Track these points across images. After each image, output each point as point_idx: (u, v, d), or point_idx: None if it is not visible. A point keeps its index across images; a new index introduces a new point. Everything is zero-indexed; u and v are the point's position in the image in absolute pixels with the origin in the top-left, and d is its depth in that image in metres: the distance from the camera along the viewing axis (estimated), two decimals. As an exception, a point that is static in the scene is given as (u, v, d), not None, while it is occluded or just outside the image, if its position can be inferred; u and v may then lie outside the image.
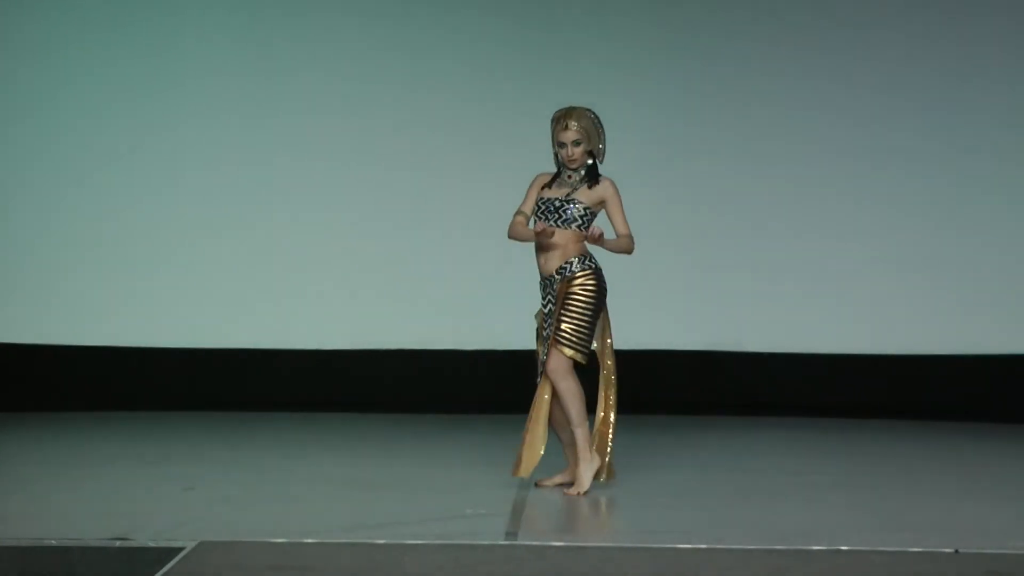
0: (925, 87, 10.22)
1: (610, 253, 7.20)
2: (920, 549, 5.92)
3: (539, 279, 7.21)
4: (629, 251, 7.17)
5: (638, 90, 10.25)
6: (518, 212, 7.22)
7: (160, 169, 10.36)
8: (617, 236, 7.16)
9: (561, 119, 7.15)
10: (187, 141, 10.35)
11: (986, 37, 10.22)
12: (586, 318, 7.10)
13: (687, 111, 10.31)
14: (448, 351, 10.35)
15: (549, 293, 7.15)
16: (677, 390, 10.35)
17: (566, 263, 7.10)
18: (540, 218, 7.14)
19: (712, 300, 10.26)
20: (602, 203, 7.14)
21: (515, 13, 10.36)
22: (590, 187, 7.13)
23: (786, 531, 6.35)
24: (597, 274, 7.15)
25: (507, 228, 7.22)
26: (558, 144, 7.15)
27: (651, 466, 8.12)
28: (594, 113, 7.17)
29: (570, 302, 7.08)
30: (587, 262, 7.14)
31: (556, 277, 7.11)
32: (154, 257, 10.35)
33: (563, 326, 7.07)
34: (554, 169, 7.24)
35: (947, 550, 5.90)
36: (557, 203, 7.12)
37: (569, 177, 7.15)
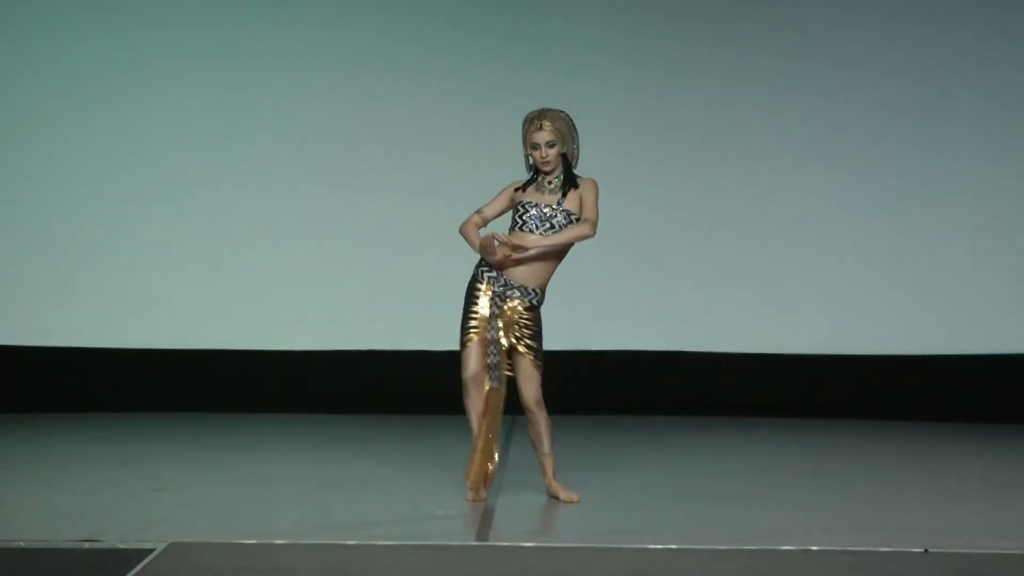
0: (905, 85, 10.28)
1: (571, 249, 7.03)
2: (889, 549, 5.95)
3: (490, 270, 6.99)
4: (585, 235, 6.87)
5: (609, 95, 10.28)
6: (477, 211, 7.02)
7: (138, 174, 10.36)
8: (580, 219, 6.90)
9: (534, 120, 6.94)
10: (173, 147, 10.34)
11: (957, 45, 10.27)
12: (541, 338, 7.01)
13: (656, 116, 10.33)
14: (419, 352, 10.35)
15: (496, 298, 6.95)
16: (645, 391, 10.37)
17: (533, 290, 6.94)
18: (525, 223, 6.91)
19: (679, 301, 10.29)
20: (580, 201, 6.93)
21: (488, 24, 10.37)
22: (575, 188, 6.93)
23: (756, 531, 6.37)
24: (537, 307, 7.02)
25: (462, 222, 7.03)
26: (531, 146, 6.94)
27: (620, 467, 8.13)
28: (568, 115, 6.98)
29: (528, 328, 6.96)
30: (540, 298, 7.00)
31: (515, 291, 6.94)
32: (127, 260, 10.33)
33: (532, 343, 6.96)
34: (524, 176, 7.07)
35: (916, 550, 5.93)
36: (548, 211, 6.91)
37: (549, 183, 6.95)
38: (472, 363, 7.02)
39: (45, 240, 10.35)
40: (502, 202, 7.06)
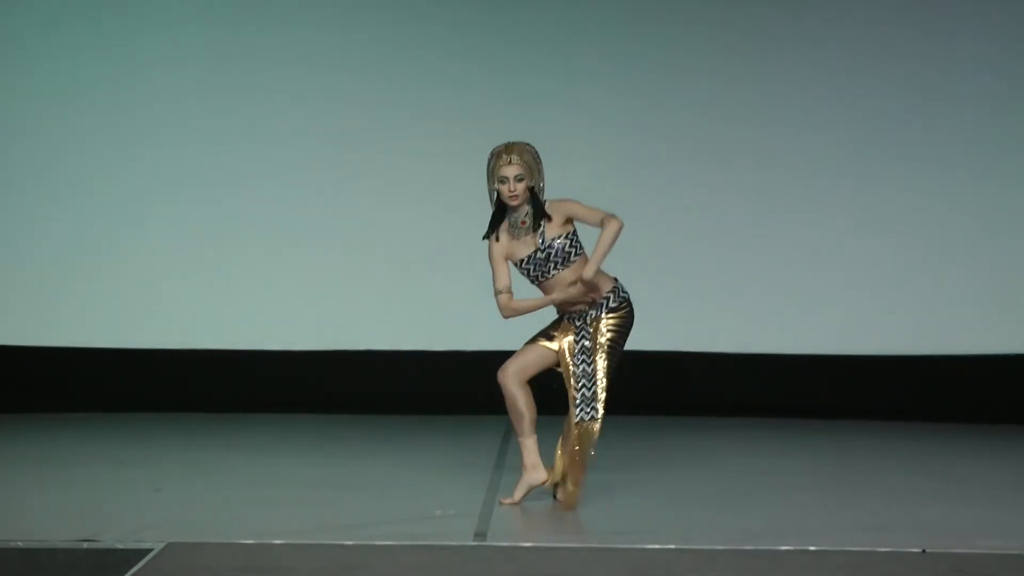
0: (904, 89, 10.29)
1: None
2: (888, 549, 5.95)
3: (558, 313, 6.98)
4: (619, 228, 6.76)
5: (608, 99, 10.29)
6: (498, 292, 6.86)
7: (139, 176, 10.37)
8: (601, 230, 6.80)
9: (502, 155, 6.83)
10: (174, 148, 10.35)
11: (954, 49, 10.30)
12: (619, 349, 6.98)
13: (656, 119, 10.34)
14: (418, 352, 10.35)
15: (583, 328, 6.91)
16: (644, 391, 10.36)
17: (604, 297, 6.91)
18: (538, 276, 6.89)
19: (679, 301, 10.28)
20: (569, 220, 6.86)
21: (489, 30, 10.39)
22: (549, 220, 6.84)
23: (754, 531, 6.37)
24: (630, 306, 7.00)
25: (500, 310, 6.88)
26: (499, 180, 6.81)
27: (619, 467, 8.13)
28: (533, 147, 6.88)
29: (606, 336, 6.92)
30: (621, 293, 6.97)
31: (591, 312, 6.91)
32: (127, 260, 10.33)
33: (601, 363, 6.92)
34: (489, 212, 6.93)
35: (914, 550, 5.93)
36: (541, 255, 6.85)
37: (523, 223, 6.84)
38: (511, 363, 6.95)
39: (46, 241, 10.36)
40: (504, 266, 6.92)
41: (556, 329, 7.00)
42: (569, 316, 6.97)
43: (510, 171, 6.82)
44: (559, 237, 6.86)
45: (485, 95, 10.32)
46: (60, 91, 10.35)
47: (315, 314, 10.31)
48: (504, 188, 6.84)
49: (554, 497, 7.12)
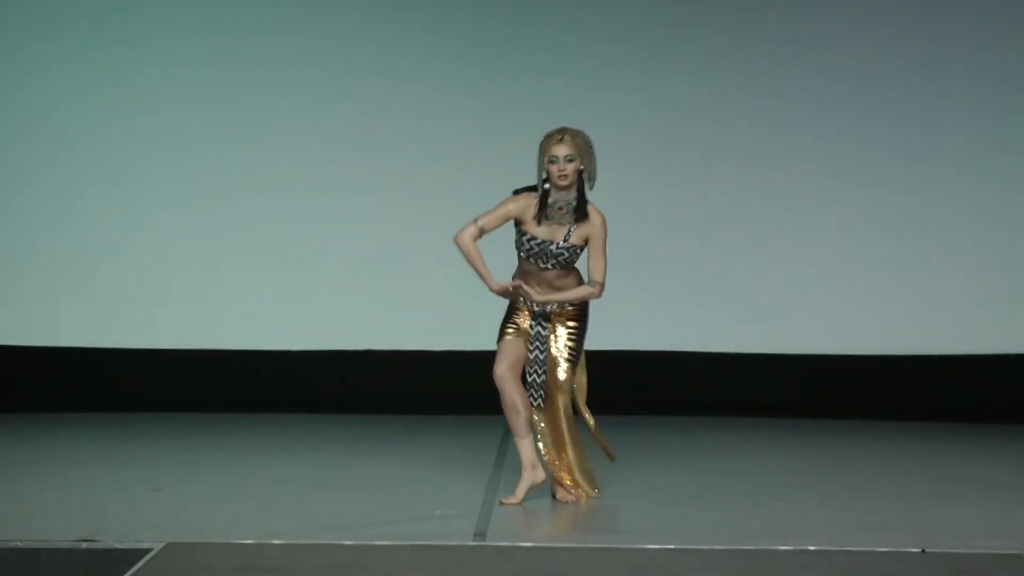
0: (904, 88, 10.29)
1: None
2: (887, 549, 5.95)
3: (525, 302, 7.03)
4: (592, 296, 6.97)
5: (609, 100, 10.27)
6: (475, 221, 6.88)
7: (140, 177, 10.36)
8: (588, 280, 6.94)
9: (555, 134, 6.83)
10: (176, 149, 10.33)
11: (956, 49, 10.31)
12: (581, 337, 7.09)
13: (656, 120, 10.32)
14: (417, 352, 10.35)
15: (539, 321, 6.99)
16: (644, 391, 10.37)
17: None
18: (532, 259, 6.91)
19: (679, 301, 10.28)
20: (587, 239, 6.90)
21: (491, 35, 10.39)
22: (581, 223, 6.85)
23: (753, 531, 6.37)
24: (584, 310, 7.06)
25: (459, 231, 6.91)
26: (549, 159, 6.80)
27: (618, 467, 8.12)
28: (588, 136, 6.89)
29: (567, 329, 7.03)
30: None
31: (549, 309, 6.99)
32: (127, 260, 10.32)
33: (568, 342, 7.03)
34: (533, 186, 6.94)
35: (914, 550, 5.93)
36: (554, 248, 6.86)
37: (560, 209, 6.83)
38: (501, 361, 7.02)
39: (46, 241, 10.34)
40: (500, 219, 6.91)
41: (517, 316, 7.07)
42: (525, 300, 7.02)
43: (561, 150, 6.80)
44: (579, 247, 6.90)
45: (484, 97, 10.32)
46: (60, 92, 10.33)
47: (315, 314, 10.31)
48: (554, 168, 6.81)
49: (553, 496, 7.14)
